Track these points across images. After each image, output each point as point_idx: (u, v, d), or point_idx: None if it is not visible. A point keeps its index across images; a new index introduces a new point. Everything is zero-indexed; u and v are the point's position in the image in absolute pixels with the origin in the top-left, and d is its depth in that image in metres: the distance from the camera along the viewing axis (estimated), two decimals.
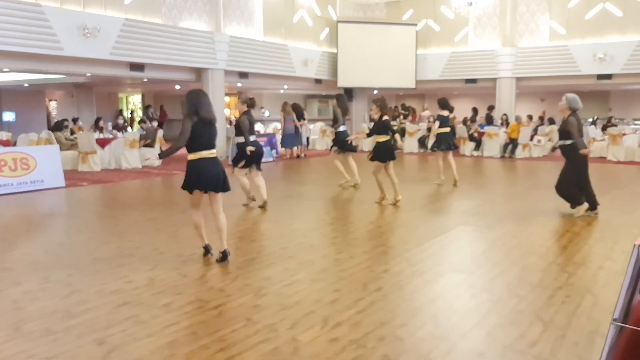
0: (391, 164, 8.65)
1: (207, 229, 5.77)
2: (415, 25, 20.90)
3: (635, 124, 19.49)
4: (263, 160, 8.64)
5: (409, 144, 19.27)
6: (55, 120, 17.97)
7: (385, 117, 8.58)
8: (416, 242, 6.35)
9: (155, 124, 15.63)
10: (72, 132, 15.46)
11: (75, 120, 16.89)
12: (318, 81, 20.90)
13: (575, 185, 7.62)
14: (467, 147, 18.06)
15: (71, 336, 3.67)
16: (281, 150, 17.55)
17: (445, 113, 10.90)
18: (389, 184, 8.70)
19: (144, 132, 15.51)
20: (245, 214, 8.13)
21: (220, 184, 5.40)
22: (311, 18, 19.67)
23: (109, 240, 6.67)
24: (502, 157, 17.15)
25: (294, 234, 6.84)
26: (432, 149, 11.07)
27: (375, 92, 22.51)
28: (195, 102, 5.30)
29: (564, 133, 7.55)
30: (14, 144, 13.58)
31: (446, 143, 10.86)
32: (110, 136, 14.68)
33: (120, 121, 17.99)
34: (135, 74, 14.78)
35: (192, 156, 5.32)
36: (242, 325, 3.82)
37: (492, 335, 3.69)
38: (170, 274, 5.07)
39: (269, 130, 20.11)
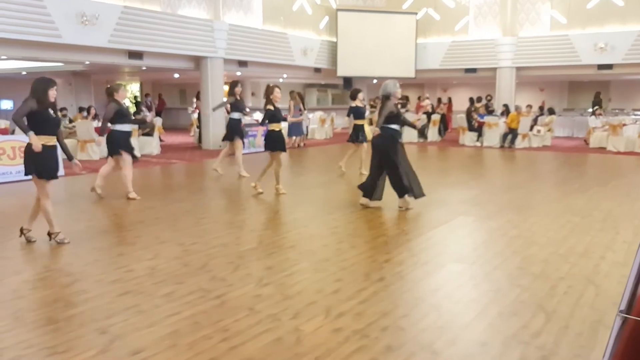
0: (279, 155, 8.52)
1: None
2: (416, 14, 20.78)
3: (636, 114, 19.44)
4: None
5: (408, 134, 19.19)
6: None
7: (269, 107, 8.37)
8: (417, 232, 6.34)
9: (153, 112, 15.53)
10: (71, 121, 15.38)
11: (82, 109, 16.77)
12: (317, 70, 20.80)
13: (401, 173, 7.35)
14: (467, 137, 18.02)
15: (72, 326, 3.65)
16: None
17: (360, 104, 10.77)
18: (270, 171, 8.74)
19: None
20: (243, 204, 8.10)
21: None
22: (311, 6, 19.52)
23: (109, 229, 6.65)
24: (502, 147, 17.12)
25: (294, 224, 6.83)
26: (350, 140, 10.94)
27: (375, 81, 22.43)
28: (42, 92, 5.47)
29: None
30: (12, 132, 13.50)
31: (363, 135, 10.65)
32: (109, 124, 14.58)
33: None
34: (134, 62, 14.66)
35: (45, 140, 5.55)
36: (244, 315, 3.81)
37: (494, 325, 3.69)
38: (170, 263, 5.05)
39: None
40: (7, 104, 20.50)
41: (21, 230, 5.85)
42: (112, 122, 8.14)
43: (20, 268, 5.04)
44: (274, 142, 8.45)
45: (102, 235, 6.29)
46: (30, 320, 3.76)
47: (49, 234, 5.78)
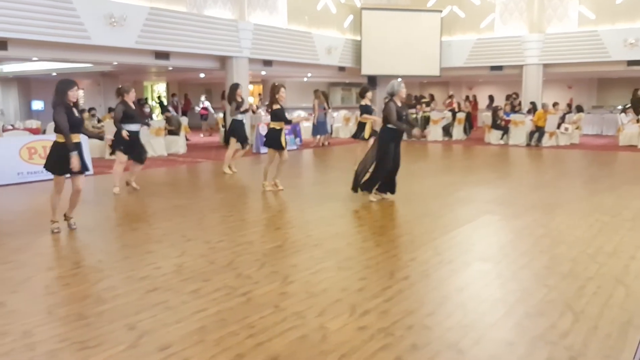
0: (283, 152, 8.75)
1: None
2: (440, 11, 20.62)
3: None
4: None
5: (433, 132, 19.08)
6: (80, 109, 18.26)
7: (277, 107, 8.53)
8: (442, 230, 6.30)
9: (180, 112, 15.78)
10: (100, 121, 15.67)
11: (112, 109, 17.10)
12: (342, 69, 20.79)
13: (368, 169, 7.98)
14: (493, 136, 17.82)
15: (103, 321, 3.73)
16: (307, 138, 17.51)
17: (368, 103, 10.69)
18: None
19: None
20: (268, 202, 8.16)
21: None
22: (335, 5, 19.50)
23: (137, 227, 6.76)
24: (528, 145, 16.89)
25: (318, 222, 6.85)
26: (357, 137, 10.92)
27: (399, 79, 22.32)
28: (64, 92, 5.93)
29: (384, 118, 7.73)
30: (44, 132, 13.82)
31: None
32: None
33: (147, 109, 18.15)
34: (161, 62, 14.86)
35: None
36: (270, 312, 3.85)
37: (521, 325, 3.66)
38: (197, 260, 5.12)
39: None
40: (39, 105, 20.97)
41: (64, 216, 6.43)
42: (120, 122, 8.45)
43: (52, 264, 5.16)
44: (272, 140, 8.66)
45: (131, 232, 6.40)
46: (62, 315, 3.86)
47: (65, 216, 6.45)
